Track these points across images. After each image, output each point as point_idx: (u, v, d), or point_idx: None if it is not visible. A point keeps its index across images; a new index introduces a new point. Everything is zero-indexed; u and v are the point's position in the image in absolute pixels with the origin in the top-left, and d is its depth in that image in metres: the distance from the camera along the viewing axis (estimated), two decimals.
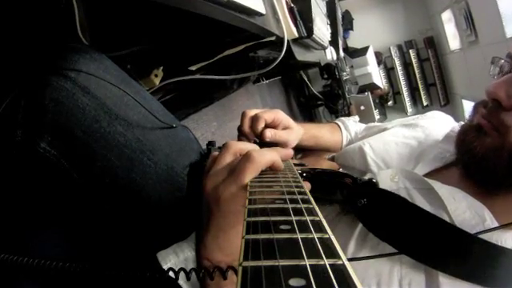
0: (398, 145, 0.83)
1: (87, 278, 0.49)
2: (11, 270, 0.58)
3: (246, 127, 0.82)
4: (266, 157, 0.51)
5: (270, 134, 0.80)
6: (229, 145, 0.58)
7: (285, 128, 0.87)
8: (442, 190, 0.67)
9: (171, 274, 0.48)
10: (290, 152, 0.64)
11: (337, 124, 1.11)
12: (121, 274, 0.47)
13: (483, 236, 0.57)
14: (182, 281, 0.52)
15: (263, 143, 0.80)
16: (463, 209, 0.63)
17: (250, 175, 0.49)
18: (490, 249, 0.56)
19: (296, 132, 0.89)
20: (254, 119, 0.81)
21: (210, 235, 0.52)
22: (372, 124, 1.09)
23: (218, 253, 0.52)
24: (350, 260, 0.62)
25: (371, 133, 1.00)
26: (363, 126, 1.11)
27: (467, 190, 0.67)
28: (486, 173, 0.68)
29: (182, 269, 0.47)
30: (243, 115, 0.84)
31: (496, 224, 0.61)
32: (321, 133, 1.02)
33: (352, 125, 1.10)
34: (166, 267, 0.58)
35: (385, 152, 0.82)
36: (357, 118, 1.17)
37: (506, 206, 0.65)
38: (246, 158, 0.50)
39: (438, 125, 0.89)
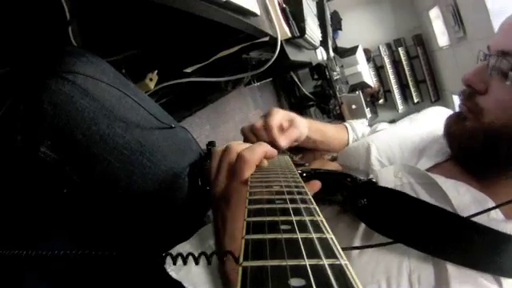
0: (400, 141, 0.83)
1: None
2: (23, 269, 0.58)
3: (265, 139, 0.82)
4: (258, 151, 0.56)
5: (284, 141, 0.82)
6: (217, 151, 0.62)
7: (289, 122, 0.88)
8: (446, 184, 0.67)
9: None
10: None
11: (344, 125, 1.11)
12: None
13: (489, 226, 0.58)
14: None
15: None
16: (467, 202, 0.64)
17: (247, 173, 0.53)
18: (495, 236, 0.56)
19: (300, 121, 0.90)
20: (268, 130, 0.82)
21: (227, 236, 0.54)
22: (378, 124, 1.09)
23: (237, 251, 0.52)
24: (356, 248, 0.63)
25: (377, 131, 1.00)
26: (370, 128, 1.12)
27: (470, 183, 0.68)
28: (466, 156, 0.71)
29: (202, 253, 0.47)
30: (253, 129, 0.86)
31: (500, 214, 0.62)
32: (325, 128, 1.02)
33: (359, 127, 1.10)
34: (169, 269, 0.58)
35: (388, 149, 0.82)
36: (365, 121, 1.18)
37: (509, 194, 0.66)
38: (239, 159, 0.55)
39: (440, 120, 0.90)
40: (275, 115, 0.84)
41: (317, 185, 0.61)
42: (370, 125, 1.15)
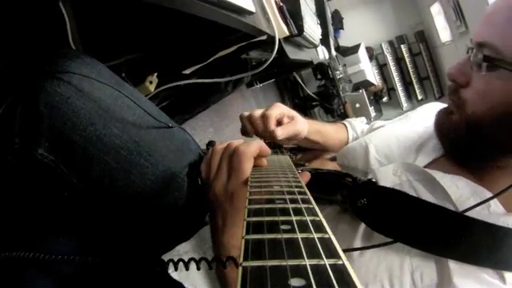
0: (398, 139, 0.83)
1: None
2: (24, 269, 0.58)
3: (260, 129, 0.81)
4: (253, 145, 0.57)
5: (280, 132, 0.80)
6: (217, 148, 0.62)
7: (290, 119, 0.87)
8: (444, 179, 0.67)
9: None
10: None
11: (343, 124, 1.11)
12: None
13: (490, 220, 0.57)
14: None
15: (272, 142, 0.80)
16: (467, 196, 0.63)
17: (247, 166, 0.54)
18: (496, 230, 0.56)
19: (301, 120, 0.89)
20: (265, 119, 0.80)
21: (227, 233, 0.54)
22: (375, 121, 1.08)
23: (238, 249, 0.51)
24: (357, 250, 0.62)
25: (374, 129, 0.99)
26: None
27: (468, 177, 0.68)
28: (455, 148, 0.73)
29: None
30: (250, 117, 0.83)
31: (501, 207, 0.62)
32: (325, 128, 1.01)
33: (358, 124, 1.10)
34: (171, 270, 0.58)
35: (386, 147, 0.81)
36: (364, 119, 1.17)
37: (505, 185, 0.65)
38: (236, 154, 0.55)
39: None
40: (276, 108, 0.83)
41: (307, 176, 0.60)
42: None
